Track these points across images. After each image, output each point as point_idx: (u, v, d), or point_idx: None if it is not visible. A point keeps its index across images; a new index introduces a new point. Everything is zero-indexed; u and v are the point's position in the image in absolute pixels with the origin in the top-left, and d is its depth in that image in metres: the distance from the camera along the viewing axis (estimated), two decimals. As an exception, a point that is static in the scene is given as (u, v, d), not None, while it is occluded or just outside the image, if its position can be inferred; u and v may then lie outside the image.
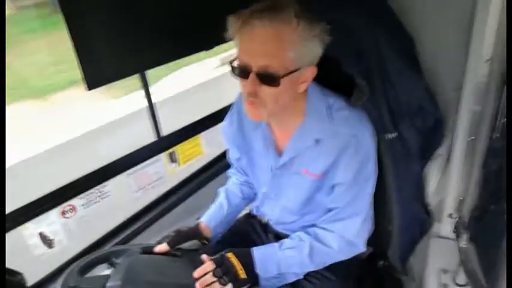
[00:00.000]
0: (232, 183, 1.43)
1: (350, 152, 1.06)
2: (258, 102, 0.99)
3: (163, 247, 1.19)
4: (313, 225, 1.20)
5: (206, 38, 1.11)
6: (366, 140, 1.07)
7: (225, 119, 1.33)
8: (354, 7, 1.09)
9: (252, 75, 0.95)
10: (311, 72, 1.00)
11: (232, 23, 0.96)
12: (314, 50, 0.96)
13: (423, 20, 1.15)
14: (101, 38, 1.19)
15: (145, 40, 1.27)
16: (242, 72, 0.98)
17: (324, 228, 1.16)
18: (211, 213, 1.34)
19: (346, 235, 1.14)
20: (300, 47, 0.93)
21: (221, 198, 1.38)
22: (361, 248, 1.18)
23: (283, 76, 0.93)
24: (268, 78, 0.94)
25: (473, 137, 1.11)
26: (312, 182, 1.15)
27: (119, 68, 1.27)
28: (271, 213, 1.32)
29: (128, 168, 1.70)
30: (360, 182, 1.10)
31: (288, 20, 0.90)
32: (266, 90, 0.97)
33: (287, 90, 0.98)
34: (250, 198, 1.42)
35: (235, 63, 0.99)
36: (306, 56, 0.96)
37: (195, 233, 1.27)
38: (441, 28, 1.15)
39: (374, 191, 1.15)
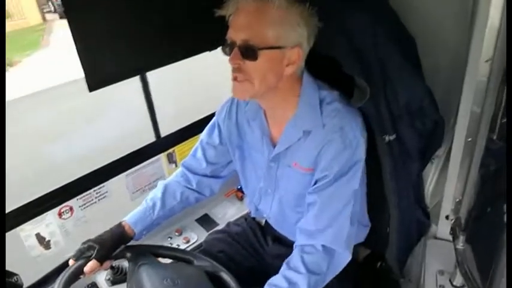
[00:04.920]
0: (175, 182, 1.37)
1: (336, 144, 1.06)
2: (242, 77, 1.02)
3: (93, 265, 1.10)
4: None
5: (207, 39, 1.13)
6: (354, 134, 1.06)
7: (220, 111, 1.32)
8: (354, 8, 1.10)
9: (235, 50, 1.00)
10: (297, 54, 1.02)
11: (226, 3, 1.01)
12: (298, 31, 1.00)
13: (423, 21, 1.16)
14: (102, 40, 1.20)
15: (146, 42, 1.28)
16: (228, 48, 1.02)
17: (312, 246, 1.09)
18: (139, 215, 1.27)
19: (334, 245, 1.08)
20: (280, 24, 0.98)
21: (156, 198, 1.32)
22: (347, 257, 1.12)
23: (261, 49, 0.97)
24: (248, 51, 0.99)
25: (471, 138, 1.11)
26: (303, 175, 1.15)
27: (119, 70, 1.28)
28: (269, 210, 1.31)
29: (127, 168, 1.70)
30: (343, 178, 1.07)
31: None
32: (249, 65, 1.00)
33: (271, 69, 1.02)
34: (188, 203, 1.38)
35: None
36: (287, 35, 0.99)
37: (120, 239, 1.19)
38: (441, 29, 1.16)
39: (364, 188, 1.14)
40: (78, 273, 1.10)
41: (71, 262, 1.12)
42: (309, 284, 1.06)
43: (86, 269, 1.09)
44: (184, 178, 1.37)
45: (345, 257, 1.12)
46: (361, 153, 1.08)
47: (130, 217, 1.26)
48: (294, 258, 1.10)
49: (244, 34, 0.98)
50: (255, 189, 1.33)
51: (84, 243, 1.15)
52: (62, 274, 1.08)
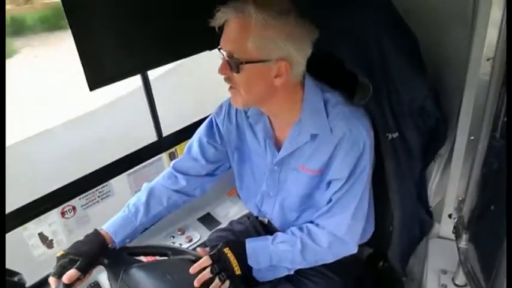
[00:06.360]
0: (162, 185, 1.33)
1: (345, 147, 1.07)
2: (232, 87, 1.06)
3: (73, 274, 1.05)
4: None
5: (208, 38, 1.13)
6: (362, 136, 1.07)
7: (218, 112, 1.31)
8: (355, 6, 1.09)
9: (223, 60, 1.02)
10: (284, 67, 1.01)
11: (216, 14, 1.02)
12: (280, 45, 0.98)
13: (424, 19, 1.15)
14: (102, 39, 1.20)
15: (146, 40, 1.28)
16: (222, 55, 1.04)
17: (317, 225, 1.16)
18: (120, 223, 1.23)
19: (337, 232, 1.13)
20: (261, 39, 0.97)
21: (139, 203, 1.27)
22: (352, 247, 1.17)
23: (242, 63, 0.99)
24: (231, 64, 1.01)
25: (473, 137, 1.11)
26: (311, 178, 1.15)
27: (120, 68, 1.28)
28: (271, 211, 1.32)
29: (129, 168, 1.71)
30: (353, 177, 1.10)
31: (248, 13, 0.95)
32: (235, 77, 1.03)
33: (256, 81, 1.03)
34: (176, 207, 1.35)
35: None
36: (269, 50, 0.99)
37: (100, 249, 1.14)
38: (442, 27, 1.15)
39: (369, 188, 1.14)
40: None
41: (52, 280, 1.07)
42: (303, 243, 1.13)
43: (65, 277, 1.04)
44: (172, 181, 1.33)
45: (349, 247, 1.17)
46: (369, 154, 1.09)
47: (109, 225, 1.21)
48: (302, 225, 1.19)
49: (229, 47, 1.00)
50: (253, 191, 1.33)
51: (63, 256, 1.10)
52: None
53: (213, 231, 1.66)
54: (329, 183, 1.14)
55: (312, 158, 1.13)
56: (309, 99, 1.10)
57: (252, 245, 1.14)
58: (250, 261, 1.12)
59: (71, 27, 1.10)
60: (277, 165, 1.21)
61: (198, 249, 1.13)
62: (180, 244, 1.82)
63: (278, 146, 1.19)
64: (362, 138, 1.07)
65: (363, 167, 1.09)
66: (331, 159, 1.10)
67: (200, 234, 1.88)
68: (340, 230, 1.13)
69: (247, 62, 0.99)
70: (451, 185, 1.23)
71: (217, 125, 1.30)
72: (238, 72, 1.01)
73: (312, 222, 1.19)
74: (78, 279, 1.08)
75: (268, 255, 1.14)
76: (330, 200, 1.14)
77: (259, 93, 1.06)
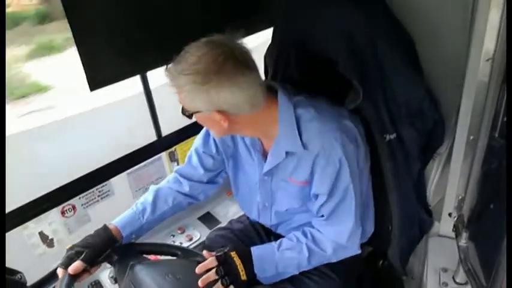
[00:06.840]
0: (168, 187, 1.35)
1: (321, 163, 1.07)
2: None
3: (78, 266, 1.07)
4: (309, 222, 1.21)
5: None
6: (336, 152, 1.04)
7: None
8: (350, 7, 1.09)
9: None
10: (223, 116, 1.01)
11: None
12: (211, 103, 0.98)
13: (423, 20, 1.15)
14: (103, 39, 1.20)
15: (146, 41, 1.28)
16: None
17: (318, 231, 1.17)
18: (128, 219, 1.25)
19: (339, 241, 1.15)
20: (191, 98, 0.99)
21: (146, 202, 1.30)
22: (354, 250, 1.19)
23: (184, 112, 1.04)
24: None
25: (473, 137, 1.11)
26: (300, 188, 1.16)
27: (120, 69, 1.28)
28: (269, 222, 1.33)
29: (129, 167, 1.71)
30: (338, 193, 1.09)
31: (178, 83, 0.98)
32: None
33: (208, 124, 1.12)
34: (180, 208, 1.37)
35: None
36: (201, 106, 0.99)
37: (108, 242, 1.16)
38: (441, 27, 1.15)
39: (369, 186, 1.16)
40: (73, 281, 1.06)
41: (59, 271, 1.08)
42: (309, 249, 1.15)
43: (71, 269, 1.06)
44: (177, 184, 1.35)
45: (352, 251, 1.19)
46: (348, 166, 1.06)
47: (118, 220, 1.24)
48: (304, 228, 1.20)
49: None
50: (247, 199, 1.34)
51: (71, 248, 1.12)
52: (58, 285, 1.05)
53: (212, 230, 1.67)
54: (316, 195, 1.14)
55: (297, 170, 1.13)
56: (282, 117, 1.08)
57: (258, 253, 1.13)
58: (257, 270, 1.12)
59: (71, 28, 1.11)
60: (267, 176, 1.21)
61: (205, 252, 1.12)
62: (181, 243, 1.82)
63: (265, 157, 1.19)
64: (337, 155, 1.05)
65: (346, 181, 1.08)
66: (312, 172, 1.10)
67: (200, 233, 1.88)
68: (342, 239, 1.14)
69: (188, 112, 1.03)
70: (451, 184, 1.23)
71: (218, 139, 1.29)
72: (190, 118, 1.05)
73: (313, 226, 1.20)
74: (86, 271, 1.10)
75: (274, 263, 1.14)
76: (322, 214, 1.15)
77: (219, 131, 1.09)
